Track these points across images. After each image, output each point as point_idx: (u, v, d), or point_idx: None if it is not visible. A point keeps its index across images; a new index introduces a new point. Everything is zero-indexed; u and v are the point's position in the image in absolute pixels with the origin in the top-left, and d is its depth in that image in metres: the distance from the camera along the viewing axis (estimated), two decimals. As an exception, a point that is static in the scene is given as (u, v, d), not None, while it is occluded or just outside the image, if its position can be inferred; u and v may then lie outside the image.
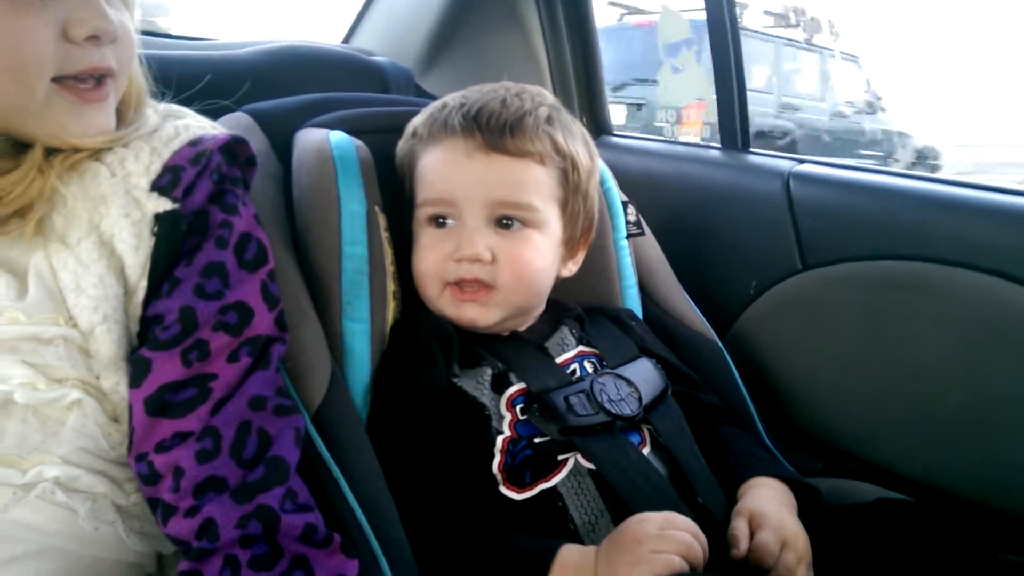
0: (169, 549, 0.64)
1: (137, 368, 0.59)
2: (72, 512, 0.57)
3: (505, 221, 0.81)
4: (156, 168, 0.61)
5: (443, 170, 0.82)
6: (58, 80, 0.57)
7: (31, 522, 0.56)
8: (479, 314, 0.82)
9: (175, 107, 0.70)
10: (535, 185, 0.82)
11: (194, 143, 0.63)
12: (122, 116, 0.64)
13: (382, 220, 0.84)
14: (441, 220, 0.82)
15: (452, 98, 0.86)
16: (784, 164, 1.20)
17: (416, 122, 0.87)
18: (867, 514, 0.78)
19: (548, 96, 0.89)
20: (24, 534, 0.56)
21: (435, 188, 0.82)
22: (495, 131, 0.80)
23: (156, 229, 0.60)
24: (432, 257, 0.82)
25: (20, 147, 0.58)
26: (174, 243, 0.61)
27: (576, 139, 0.87)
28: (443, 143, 0.82)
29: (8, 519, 0.55)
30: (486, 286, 0.81)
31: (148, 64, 0.70)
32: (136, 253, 0.59)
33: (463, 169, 0.81)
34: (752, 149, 1.31)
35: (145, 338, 0.60)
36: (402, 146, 0.88)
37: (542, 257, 0.83)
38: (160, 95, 0.72)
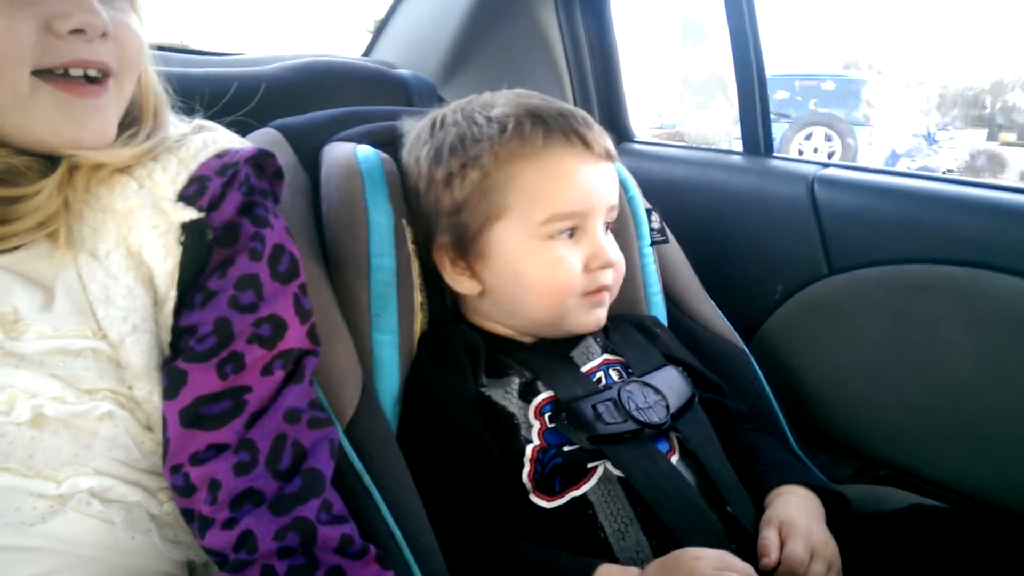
0: (202, 557, 0.64)
1: (172, 379, 0.59)
2: (108, 523, 0.58)
3: (609, 224, 0.85)
4: (183, 179, 0.61)
5: (575, 183, 0.80)
6: (42, 75, 0.56)
7: (69, 534, 0.56)
8: (603, 315, 0.86)
9: (207, 122, 0.71)
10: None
11: (221, 155, 0.64)
12: (140, 125, 0.65)
13: (409, 232, 0.85)
14: (571, 231, 0.81)
15: (494, 111, 0.82)
16: (808, 168, 1.20)
17: (478, 141, 0.80)
18: (899, 521, 0.77)
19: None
20: (62, 546, 0.56)
21: (569, 201, 0.80)
22: (592, 138, 0.82)
23: (183, 239, 0.60)
24: (574, 270, 0.81)
25: (41, 168, 0.59)
26: (201, 252, 0.61)
27: None
28: (548, 155, 0.80)
29: (46, 532, 0.56)
30: (608, 289, 0.84)
31: (174, 81, 0.71)
32: (164, 263, 0.60)
33: (588, 178, 0.81)
34: (775, 154, 1.31)
35: (177, 348, 0.61)
36: (466, 168, 0.81)
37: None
38: (190, 111, 0.73)
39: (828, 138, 6.02)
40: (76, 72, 0.58)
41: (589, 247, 0.81)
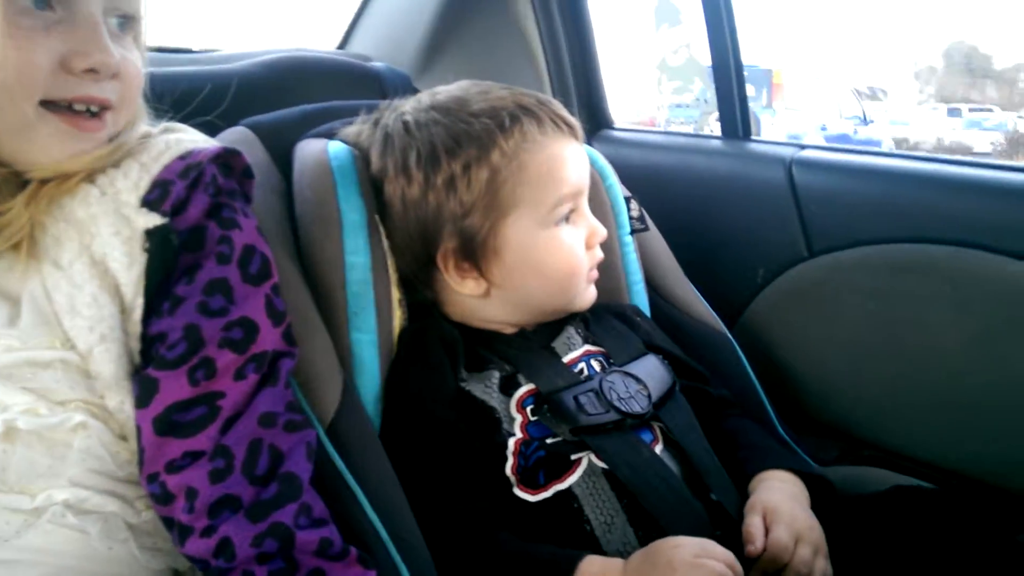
0: (183, 565, 0.64)
1: (144, 388, 0.59)
2: (84, 534, 0.57)
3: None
4: (145, 184, 0.61)
5: (570, 165, 0.82)
6: (47, 104, 0.58)
7: (45, 545, 0.56)
8: (595, 292, 0.88)
9: (174, 124, 0.70)
10: None
11: (184, 156, 0.63)
12: (115, 136, 0.65)
13: (382, 229, 0.84)
14: (569, 214, 0.83)
15: (475, 106, 0.81)
16: (786, 151, 1.20)
17: (477, 139, 0.79)
18: (884, 502, 0.78)
19: None
20: (40, 558, 0.56)
21: (569, 182, 0.82)
22: (572, 121, 0.85)
23: (147, 245, 0.60)
24: (581, 250, 0.84)
25: (17, 184, 0.59)
26: (167, 258, 0.61)
27: None
28: (545, 142, 0.81)
29: (22, 545, 0.56)
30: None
31: (146, 82, 0.70)
32: (129, 271, 0.59)
33: (577, 159, 0.84)
34: (753, 137, 1.30)
35: (147, 356, 0.60)
36: (470, 168, 0.79)
37: None
38: (159, 113, 0.72)
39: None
40: (80, 107, 0.59)
41: (586, 226, 0.85)
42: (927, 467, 1.01)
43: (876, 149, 1.19)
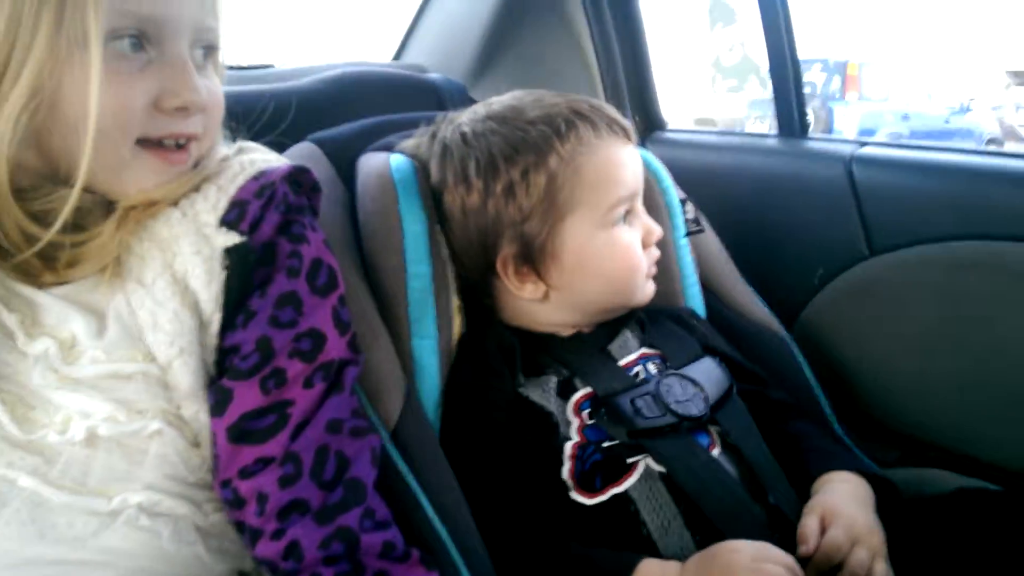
0: (248, 566, 0.67)
1: (219, 397, 0.62)
2: (156, 535, 0.60)
3: None
4: (223, 205, 0.64)
5: (626, 167, 0.85)
6: (142, 142, 0.61)
7: (119, 547, 0.59)
8: (653, 287, 0.90)
9: (247, 144, 0.73)
10: None
11: (258, 177, 0.66)
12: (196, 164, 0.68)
13: (442, 238, 0.87)
14: (625, 215, 0.85)
15: (531, 114, 0.84)
16: (845, 148, 1.18)
17: (534, 146, 0.82)
18: (948, 504, 0.77)
19: None
20: (113, 559, 0.59)
21: (626, 184, 0.84)
22: (625, 124, 0.87)
23: (226, 263, 0.63)
24: (639, 250, 0.86)
25: (107, 208, 0.62)
26: (245, 275, 0.63)
27: None
28: (600, 145, 0.84)
29: (98, 545, 0.58)
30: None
31: None
32: (209, 288, 0.62)
33: (631, 161, 0.86)
34: (811, 135, 1.29)
35: (223, 368, 0.63)
36: (528, 174, 0.81)
37: None
38: (232, 132, 0.75)
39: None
40: (169, 142, 0.62)
41: (641, 226, 0.86)
42: (992, 469, 0.99)
43: (938, 144, 1.15)
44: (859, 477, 0.78)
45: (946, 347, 1.05)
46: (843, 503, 0.73)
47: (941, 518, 0.75)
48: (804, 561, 0.68)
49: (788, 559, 0.64)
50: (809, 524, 0.70)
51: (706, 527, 0.71)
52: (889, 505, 0.77)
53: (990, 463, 1.00)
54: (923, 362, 1.07)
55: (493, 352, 0.82)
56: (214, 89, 0.65)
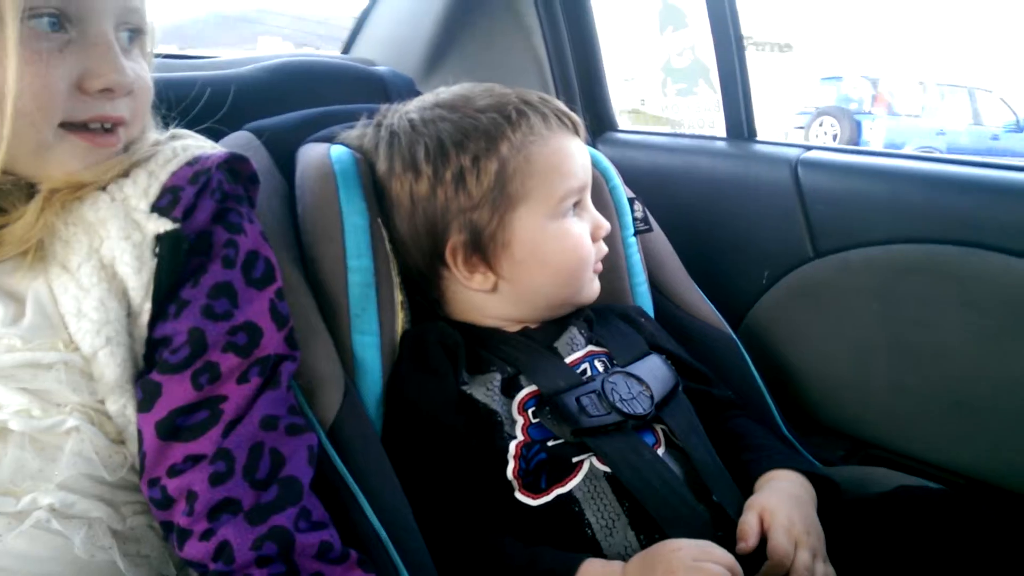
0: (171, 573, 0.64)
1: (147, 392, 0.59)
2: (67, 540, 0.56)
3: None
4: (155, 191, 0.61)
5: (576, 159, 0.84)
6: (66, 126, 0.58)
7: (26, 551, 0.55)
8: (599, 286, 0.89)
9: (180, 131, 0.71)
10: None
11: (192, 163, 0.64)
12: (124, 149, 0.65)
13: (385, 232, 0.84)
14: (574, 207, 0.85)
15: (480, 102, 0.83)
16: (791, 152, 1.19)
17: (485, 133, 0.80)
18: (888, 502, 0.77)
19: None
20: (20, 564, 0.55)
21: (576, 175, 0.84)
22: (574, 117, 0.87)
23: (157, 250, 0.60)
24: (588, 242, 0.85)
25: (29, 190, 0.59)
26: (177, 263, 0.61)
27: None
28: (551, 136, 0.83)
29: (2, 549, 0.55)
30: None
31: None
32: (138, 275, 0.59)
33: (580, 154, 0.86)
34: (759, 139, 1.30)
35: (152, 360, 0.61)
36: (479, 161, 0.80)
37: None
38: (165, 119, 0.72)
39: (832, 124, 8.08)
40: (95, 125, 0.60)
41: (590, 218, 0.86)
42: (933, 468, 1.01)
43: (881, 150, 1.18)
44: (800, 475, 0.79)
45: (887, 348, 1.07)
46: (781, 502, 0.72)
47: (882, 516, 0.76)
48: (751, 564, 0.68)
49: (729, 558, 0.63)
50: (749, 521, 0.70)
51: (650, 526, 0.70)
52: (831, 503, 0.78)
53: (930, 463, 1.02)
54: (865, 363, 1.08)
55: (436, 349, 0.80)
56: (141, 73, 0.63)
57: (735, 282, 1.20)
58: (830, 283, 1.12)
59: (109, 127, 0.61)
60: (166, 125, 0.71)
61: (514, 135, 0.81)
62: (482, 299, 0.85)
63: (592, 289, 0.88)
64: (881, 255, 1.07)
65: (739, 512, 0.73)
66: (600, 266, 0.89)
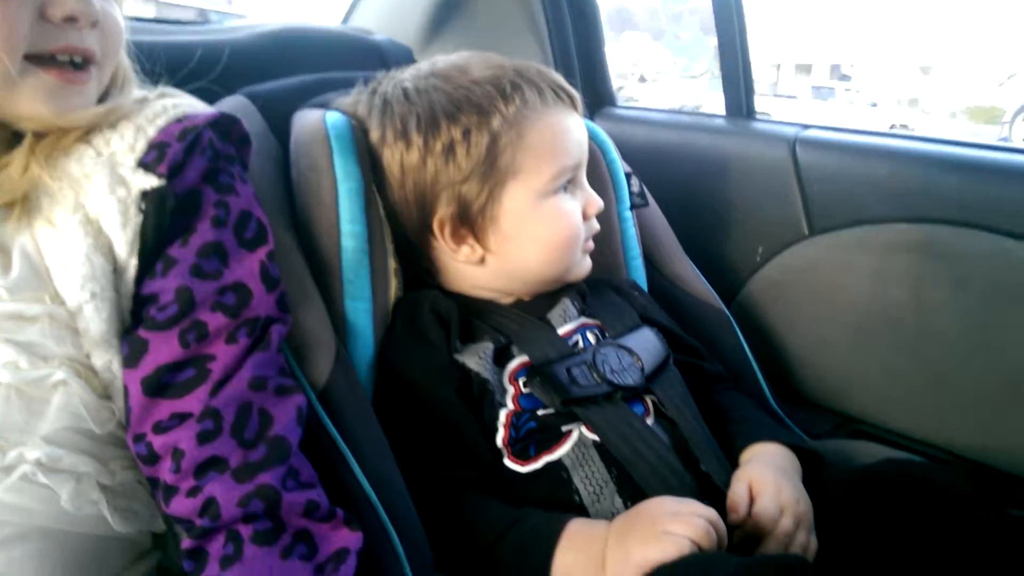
0: (159, 528, 0.64)
1: (133, 348, 0.59)
2: (54, 493, 0.57)
3: None
4: (141, 146, 0.61)
5: (571, 136, 0.83)
6: (34, 60, 0.58)
7: (13, 503, 0.55)
8: (590, 264, 0.89)
9: (169, 89, 0.70)
10: None
11: (181, 119, 0.63)
12: (106, 98, 0.65)
13: (379, 199, 0.84)
14: (567, 184, 0.84)
15: (475, 74, 0.82)
16: (789, 130, 1.19)
17: (477, 105, 0.79)
18: (874, 474, 0.78)
19: None
20: (7, 516, 0.55)
21: (570, 153, 0.82)
22: (572, 92, 0.85)
23: (143, 206, 0.59)
24: (579, 220, 0.84)
25: (8, 138, 0.59)
26: (162, 220, 0.60)
27: None
28: (546, 111, 0.82)
29: None
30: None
31: (142, 49, 0.70)
32: (124, 231, 0.59)
33: (576, 130, 0.84)
34: (758, 116, 1.30)
35: (139, 317, 0.60)
36: (470, 133, 0.79)
37: None
38: (155, 79, 0.72)
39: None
40: (63, 58, 0.59)
41: (583, 196, 0.85)
42: (919, 443, 1.02)
43: (880, 130, 1.17)
44: (786, 448, 0.79)
45: (878, 326, 1.07)
46: (769, 473, 0.73)
47: (867, 488, 0.76)
48: (732, 529, 0.69)
49: (711, 511, 0.64)
50: (739, 492, 0.71)
51: (637, 494, 0.71)
52: (816, 476, 0.78)
53: (917, 439, 1.03)
54: (856, 340, 1.09)
55: (429, 316, 0.80)
56: (109, 9, 0.62)
57: (730, 259, 1.20)
58: (824, 261, 1.12)
59: (79, 62, 0.60)
60: (156, 85, 0.71)
61: (507, 109, 0.79)
62: (471, 271, 0.85)
63: (582, 267, 0.88)
64: (875, 234, 1.07)
65: (726, 483, 0.74)
66: (591, 244, 0.89)
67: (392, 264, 0.85)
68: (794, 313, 1.15)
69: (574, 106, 0.86)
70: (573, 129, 0.84)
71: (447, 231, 0.82)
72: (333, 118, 0.84)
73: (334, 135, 0.82)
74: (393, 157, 0.82)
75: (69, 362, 0.58)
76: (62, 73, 0.59)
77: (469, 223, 0.81)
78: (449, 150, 0.79)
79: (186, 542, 0.58)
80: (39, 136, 0.59)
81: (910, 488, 0.74)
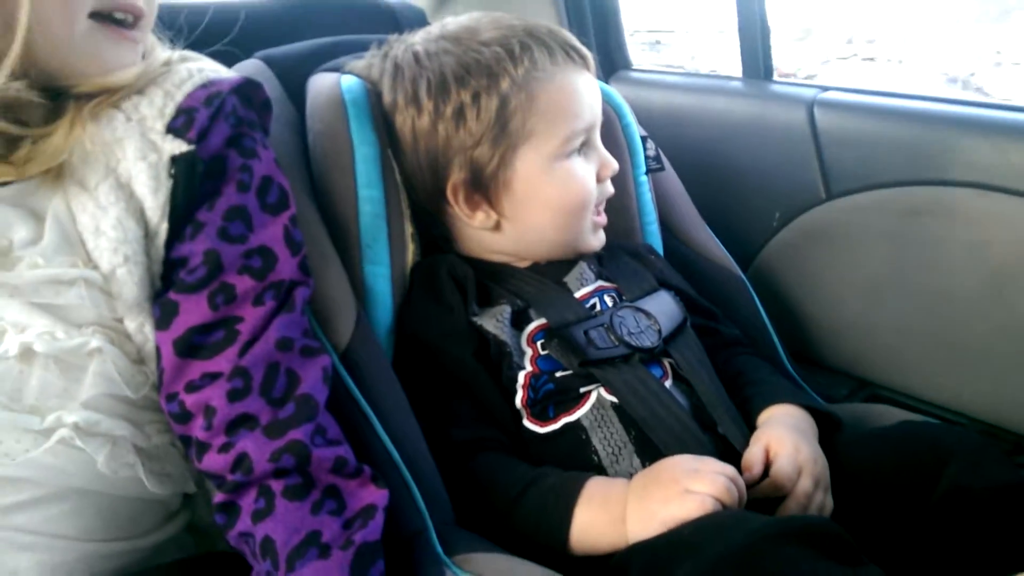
0: (191, 489, 0.66)
1: (164, 310, 0.60)
2: (91, 456, 0.58)
3: None
4: (170, 111, 0.61)
5: (583, 98, 0.82)
6: (96, 17, 0.59)
7: (51, 464, 0.57)
8: (604, 237, 0.89)
9: (189, 52, 0.70)
10: None
11: (206, 85, 0.64)
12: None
13: (395, 163, 0.84)
14: (581, 146, 0.83)
15: (485, 35, 0.81)
16: (807, 92, 1.17)
17: (487, 68, 0.78)
18: (890, 436, 0.78)
19: None
20: (45, 476, 0.57)
21: (582, 115, 0.82)
22: (584, 52, 0.84)
23: (173, 171, 0.60)
24: (592, 182, 0.84)
25: (48, 108, 0.60)
26: (192, 185, 0.61)
27: None
28: (557, 72, 0.81)
29: (29, 463, 0.56)
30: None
31: (163, 10, 0.70)
32: (155, 195, 0.60)
33: (590, 91, 0.83)
34: (775, 79, 1.28)
35: (169, 280, 0.61)
36: (480, 97, 0.78)
37: None
38: (172, 41, 0.72)
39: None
40: (120, 15, 0.61)
41: (597, 158, 0.85)
42: (936, 407, 1.02)
43: (898, 91, 1.16)
44: (803, 410, 0.80)
45: (895, 290, 1.07)
46: (787, 434, 0.73)
47: (883, 450, 0.76)
48: (753, 487, 0.69)
49: (730, 468, 0.64)
50: (755, 452, 0.72)
51: (656, 454, 0.71)
52: (832, 438, 0.79)
53: (931, 401, 1.03)
54: (873, 304, 1.09)
55: (447, 280, 0.80)
56: None
57: (746, 223, 1.20)
58: (841, 225, 1.11)
59: (130, 20, 0.62)
60: (173, 47, 0.71)
61: (516, 70, 0.78)
62: (487, 236, 0.85)
63: (594, 240, 0.88)
64: (892, 197, 1.06)
65: (744, 445, 0.74)
66: (604, 218, 0.88)
67: (409, 229, 0.85)
68: (811, 277, 1.15)
69: (586, 65, 0.85)
70: (584, 90, 0.83)
71: (461, 197, 0.82)
72: (348, 82, 0.84)
73: (349, 100, 0.82)
74: (405, 122, 0.82)
75: (103, 328, 0.59)
76: (120, 30, 0.61)
77: (482, 188, 0.81)
78: (459, 114, 0.79)
79: (218, 496, 0.60)
80: (80, 101, 0.60)
81: (926, 450, 0.74)
